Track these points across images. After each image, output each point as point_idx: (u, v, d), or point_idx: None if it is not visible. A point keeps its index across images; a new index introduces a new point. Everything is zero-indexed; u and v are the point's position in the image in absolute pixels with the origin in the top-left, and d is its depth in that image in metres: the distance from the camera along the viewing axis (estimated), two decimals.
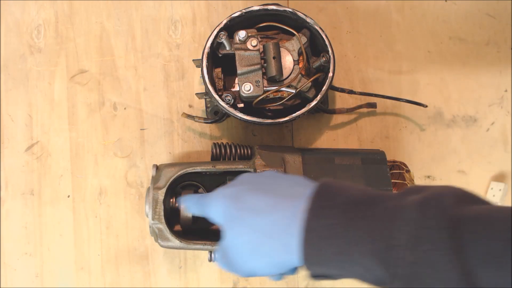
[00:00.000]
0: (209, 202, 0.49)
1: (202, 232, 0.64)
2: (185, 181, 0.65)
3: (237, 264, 0.46)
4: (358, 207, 0.39)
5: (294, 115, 0.59)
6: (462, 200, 0.37)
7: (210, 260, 0.61)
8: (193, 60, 0.66)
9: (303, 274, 0.68)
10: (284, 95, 0.60)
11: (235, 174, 0.56)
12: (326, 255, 0.39)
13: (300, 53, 0.60)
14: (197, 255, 0.68)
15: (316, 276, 0.42)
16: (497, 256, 0.34)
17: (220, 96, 0.60)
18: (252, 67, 0.59)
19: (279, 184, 0.46)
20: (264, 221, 0.43)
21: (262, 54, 0.59)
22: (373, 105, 0.69)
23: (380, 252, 0.37)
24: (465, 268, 0.34)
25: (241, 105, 0.61)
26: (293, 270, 0.47)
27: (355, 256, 0.38)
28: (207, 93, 0.62)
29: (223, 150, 0.62)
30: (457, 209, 0.36)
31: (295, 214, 0.41)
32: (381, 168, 0.60)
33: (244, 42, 0.59)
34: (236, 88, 0.62)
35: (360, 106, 0.69)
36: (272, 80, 0.60)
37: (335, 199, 0.40)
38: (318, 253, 0.39)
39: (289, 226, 0.41)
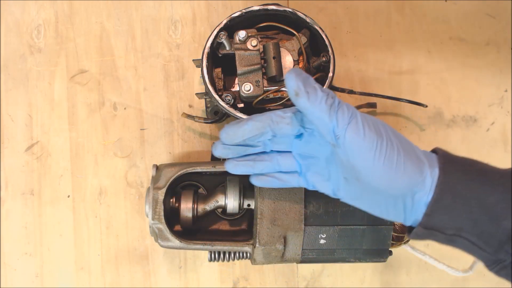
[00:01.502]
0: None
1: (202, 232, 0.65)
2: (185, 181, 0.65)
3: (380, 157, 0.42)
4: (487, 165, 0.41)
5: None
6: None
7: (210, 260, 0.61)
8: (193, 60, 0.66)
9: (303, 274, 0.68)
10: (284, 95, 0.60)
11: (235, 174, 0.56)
12: (458, 199, 0.39)
13: (300, 53, 0.60)
14: (197, 255, 0.68)
15: (427, 228, 0.41)
16: None
17: (220, 96, 0.60)
18: (252, 67, 0.59)
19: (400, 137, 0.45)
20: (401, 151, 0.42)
21: (262, 54, 0.59)
22: (373, 105, 0.70)
23: None
24: None
25: (241, 105, 0.61)
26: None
27: (488, 204, 0.38)
28: (207, 93, 0.62)
29: None
30: None
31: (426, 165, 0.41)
32: None
33: (244, 42, 0.59)
34: (236, 88, 0.62)
35: (360, 106, 0.69)
36: (272, 80, 0.60)
37: (461, 158, 0.42)
38: (450, 195, 0.39)
39: (421, 170, 0.41)
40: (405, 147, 0.42)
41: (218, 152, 0.51)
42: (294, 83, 0.42)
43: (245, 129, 0.48)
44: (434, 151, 0.44)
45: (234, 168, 0.52)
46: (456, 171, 0.40)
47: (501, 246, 0.38)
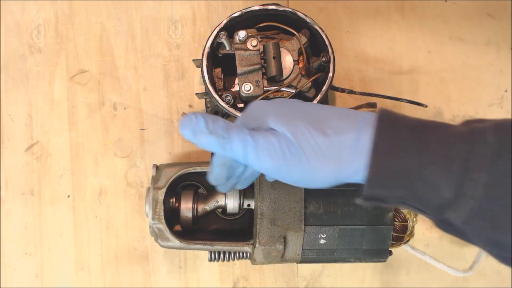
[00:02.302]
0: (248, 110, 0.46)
1: (202, 232, 0.65)
2: (185, 181, 0.65)
3: (291, 165, 0.43)
4: (428, 129, 0.40)
5: None
6: None
7: (210, 260, 0.61)
8: (193, 60, 0.66)
9: (303, 274, 0.68)
10: (284, 95, 0.60)
11: None
12: (394, 175, 0.39)
13: (300, 53, 0.60)
14: (197, 255, 0.68)
15: (370, 199, 0.42)
16: None
17: (220, 96, 0.60)
18: (252, 67, 0.59)
19: (325, 108, 0.45)
20: (330, 130, 0.42)
21: (262, 54, 0.59)
22: (373, 105, 0.69)
23: (456, 173, 0.37)
24: None
25: (241, 105, 0.61)
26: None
27: (427, 177, 0.38)
28: (207, 93, 0.62)
29: None
30: None
31: (359, 131, 0.41)
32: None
33: (244, 42, 0.59)
34: (236, 88, 0.62)
35: (360, 106, 0.69)
36: (272, 80, 0.60)
37: (402, 122, 0.41)
38: (386, 172, 0.39)
39: (356, 140, 0.41)
40: (324, 144, 0.42)
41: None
42: (186, 136, 0.45)
43: (216, 175, 0.49)
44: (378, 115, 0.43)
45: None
46: (392, 148, 0.39)
47: (442, 210, 0.39)
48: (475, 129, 0.39)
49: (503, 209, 0.37)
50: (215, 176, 0.49)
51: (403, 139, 0.39)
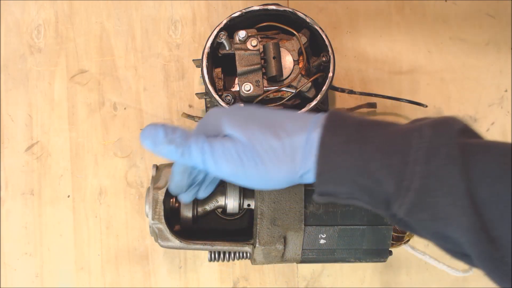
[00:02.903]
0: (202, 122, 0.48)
1: (202, 232, 0.64)
2: None
3: (248, 169, 0.44)
4: (371, 127, 0.42)
5: None
6: (467, 129, 0.41)
7: (210, 260, 0.61)
8: (193, 60, 0.66)
9: (303, 274, 0.68)
10: (284, 95, 0.60)
11: None
12: (340, 171, 0.41)
13: (300, 53, 0.60)
14: (197, 255, 0.68)
15: (323, 195, 0.43)
16: (497, 175, 0.37)
17: (220, 96, 0.60)
18: (252, 67, 0.59)
19: (278, 112, 0.47)
20: (281, 128, 0.44)
21: (262, 54, 0.59)
22: (373, 105, 0.69)
23: (395, 167, 0.39)
24: (471, 183, 0.37)
25: (241, 105, 0.61)
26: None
27: (369, 171, 0.40)
28: (207, 93, 0.62)
29: None
30: (463, 134, 0.40)
31: (304, 130, 0.43)
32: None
33: (244, 42, 0.59)
34: (236, 88, 0.62)
35: (360, 106, 0.69)
36: (272, 80, 0.60)
37: (348, 121, 0.42)
38: (332, 169, 0.41)
39: (299, 139, 0.43)
40: (278, 146, 0.43)
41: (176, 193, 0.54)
42: (147, 146, 0.47)
43: (176, 183, 0.51)
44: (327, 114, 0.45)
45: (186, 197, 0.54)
46: (336, 144, 0.41)
47: (388, 205, 0.40)
48: (414, 126, 0.41)
49: (441, 200, 0.38)
50: (175, 183, 0.51)
51: (347, 135, 0.41)
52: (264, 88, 0.59)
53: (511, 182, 0.37)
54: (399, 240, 0.60)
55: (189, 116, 0.65)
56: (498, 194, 0.37)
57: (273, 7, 0.60)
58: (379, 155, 0.40)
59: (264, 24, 0.61)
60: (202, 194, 0.54)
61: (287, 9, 0.60)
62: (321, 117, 0.43)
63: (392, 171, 0.39)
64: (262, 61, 0.59)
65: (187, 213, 0.60)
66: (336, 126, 0.42)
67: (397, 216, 0.40)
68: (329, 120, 0.42)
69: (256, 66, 0.59)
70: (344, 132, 0.41)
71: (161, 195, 0.59)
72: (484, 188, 0.37)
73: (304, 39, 0.60)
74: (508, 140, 0.71)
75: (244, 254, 0.61)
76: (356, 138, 0.41)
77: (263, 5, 0.60)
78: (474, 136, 0.41)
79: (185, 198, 0.53)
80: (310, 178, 0.43)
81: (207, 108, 0.66)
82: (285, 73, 0.60)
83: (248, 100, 0.60)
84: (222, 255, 0.61)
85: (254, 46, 0.59)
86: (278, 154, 0.43)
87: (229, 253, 0.61)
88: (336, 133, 0.42)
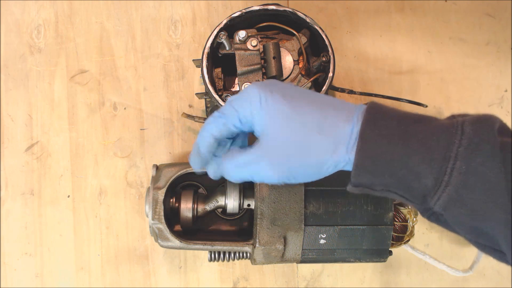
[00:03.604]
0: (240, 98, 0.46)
1: (202, 232, 0.65)
2: (185, 181, 0.65)
3: (280, 163, 0.44)
4: (413, 121, 0.42)
5: None
6: (505, 127, 0.42)
7: (210, 260, 0.61)
8: (193, 60, 0.66)
9: (303, 274, 0.68)
10: None
11: None
12: (379, 163, 0.41)
13: (300, 53, 0.60)
14: (197, 255, 0.68)
15: (357, 186, 0.44)
16: None
17: (220, 96, 0.60)
18: (252, 67, 0.59)
19: (320, 96, 0.46)
20: (316, 121, 0.43)
21: (262, 54, 0.59)
22: None
23: (437, 161, 0.40)
24: (510, 180, 0.38)
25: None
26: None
27: (410, 165, 0.40)
28: (207, 93, 0.62)
29: None
30: (501, 132, 0.40)
31: (349, 122, 0.43)
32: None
33: (244, 42, 0.59)
34: (236, 88, 0.62)
35: None
36: None
37: (388, 113, 0.43)
38: (371, 161, 0.41)
39: (344, 131, 0.43)
40: (317, 140, 0.43)
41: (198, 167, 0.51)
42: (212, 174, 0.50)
43: (203, 138, 0.48)
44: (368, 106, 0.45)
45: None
46: (378, 136, 0.41)
47: (425, 198, 0.41)
48: (455, 122, 0.41)
49: (480, 197, 0.39)
50: (206, 147, 0.48)
51: (388, 128, 0.42)
52: None
53: None
54: (399, 240, 0.60)
55: (189, 116, 0.65)
56: None
57: (273, 7, 0.60)
58: (421, 149, 0.40)
59: (264, 24, 0.61)
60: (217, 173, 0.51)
61: (287, 9, 0.60)
62: (362, 108, 0.43)
63: (432, 165, 0.40)
64: (262, 61, 0.59)
65: (187, 213, 0.60)
66: (377, 118, 0.42)
67: (433, 210, 0.41)
68: (370, 113, 0.43)
69: (256, 66, 0.59)
70: (385, 124, 0.42)
71: (161, 195, 0.59)
72: None
73: (304, 39, 0.60)
74: None
75: (244, 254, 0.61)
76: (398, 131, 0.41)
77: (263, 5, 0.60)
78: (510, 135, 0.42)
79: (211, 170, 0.51)
80: (348, 167, 0.43)
81: (207, 108, 0.66)
82: (285, 73, 0.60)
83: None
84: (222, 255, 0.61)
85: (254, 46, 0.59)
86: (321, 148, 0.43)
87: (229, 253, 0.61)
88: (377, 126, 0.42)
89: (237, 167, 0.46)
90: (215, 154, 0.49)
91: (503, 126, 0.41)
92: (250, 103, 0.45)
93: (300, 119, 0.43)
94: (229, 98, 0.48)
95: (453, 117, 0.43)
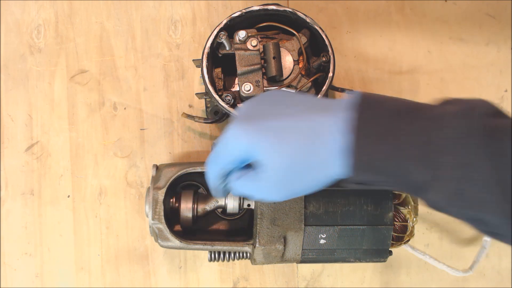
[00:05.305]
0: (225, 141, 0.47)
1: (202, 232, 0.65)
2: (185, 181, 0.65)
3: (283, 189, 0.45)
4: (404, 115, 0.42)
5: None
6: (496, 110, 0.41)
7: (210, 260, 0.61)
8: (193, 60, 0.66)
9: (303, 274, 0.68)
10: None
11: None
12: (375, 162, 0.42)
13: (300, 53, 0.60)
14: (197, 255, 0.68)
15: (359, 183, 0.44)
16: None
17: (220, 96, 0.60)
18: (252, 67, 0.59)
19: (302, 99, 0.47)
20: (306, 147, 0.44)
21: (262, 54, 0.59)
22: None
23: (427, 156, 0.40)
24: (501, 173, 0.38)
25: (241, 105, 0.61)
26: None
27: (402, 161, 0.41)
28: (207, 93, 0.62)
29: None
30: (492, 118, 0.40)
31: (337, 124, 0.43)
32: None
33: (244, 42, 0.59)
34: (236, 88, 0.62)
35: None
36: (272, 80, 0.60)
37: (380, 108, 0.43)
38: (367, 160, 0.42)
39: (334, 136, 0.43)
40: (305, 151, 0.44)
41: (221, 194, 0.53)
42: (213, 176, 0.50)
43: (211, 176, 0.51)
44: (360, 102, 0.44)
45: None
46: (370, 142, 0.41)
47: (425, 192, 0.42)
48: (445, 113, 0.41)
49: (476, 189, 0.39)
50: (216, 189, 0.51)
51: (380, 131, 0.42)
52: (264, 88, 0.59)
53: None
54: (399, 240, 0.60)
55: (189, 116, 0.65)
56: None
57: (273, 7, 0.60)
58: (412, 146, 0.41)
59: (264, 24, 0.61)
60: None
61: (287, 9, 0.60)
62: (349, 113, 0.43)
63: (423, 161, 0.40)
64: (262, 61, 0.59)
65: (187, 213, 0.60)
66: (370, 115, 0.42)
67: (433, 201, 0.42)
68: (362, 109, 0.42)
69: (256, 66, 0.59)
70: (378, 122, 0.42)
71: (161, 195, 0.59)
72: None
73: (304, 39, 0.60)
74: None
75: (244, 254, 0.61)
76: (390, 128, 0.42)
77: (263, 5, 0.60)
78: (503, 117, 0.42)
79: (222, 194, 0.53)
80: (346, 174, 0.44)
81: (207, 108, 0.66)
82: (285, 73, 0.60)
83: None
84: (222, 255, 0.61)
85: (254, 46, 0.59)
86: (319, 167, 0.44)
87: (229, 253, 0.61)
88: (370, 124, 0.42)
89: (243, 192, 0.48)
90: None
91: (491, 108, 0.41)
92: (233, 153, 0.46)
93: (291, 149, 0.44)
94: (213, 144, 0.49)
95: (446, 103, 0.44)
